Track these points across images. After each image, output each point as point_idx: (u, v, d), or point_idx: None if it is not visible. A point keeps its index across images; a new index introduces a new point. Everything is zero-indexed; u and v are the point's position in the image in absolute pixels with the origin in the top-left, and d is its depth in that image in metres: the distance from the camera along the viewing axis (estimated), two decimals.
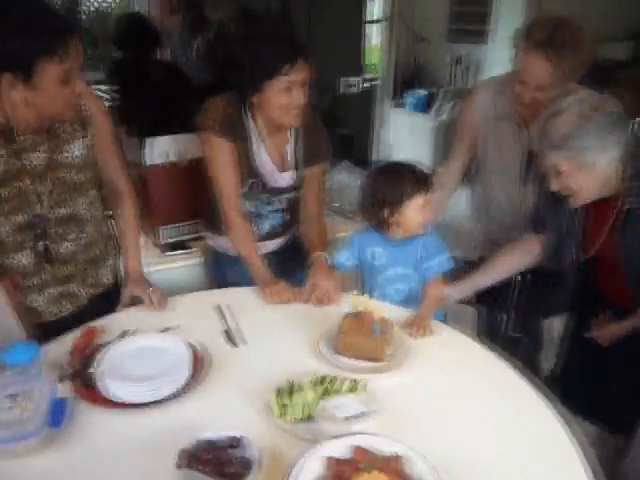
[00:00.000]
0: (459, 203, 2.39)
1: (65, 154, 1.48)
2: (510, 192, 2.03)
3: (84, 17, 5.40)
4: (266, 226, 1.97)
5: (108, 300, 1.69)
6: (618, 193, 1.53)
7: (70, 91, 1.35)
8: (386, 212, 1.66)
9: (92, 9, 5.69)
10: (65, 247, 1.56)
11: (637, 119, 3.72)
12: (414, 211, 1.65)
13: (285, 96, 1.66)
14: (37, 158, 1.44)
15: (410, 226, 1.68)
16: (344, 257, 1.81)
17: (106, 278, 1.72)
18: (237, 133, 1.77)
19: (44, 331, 1.51)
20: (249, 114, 1.78)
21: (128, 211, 1.73)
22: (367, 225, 1.78)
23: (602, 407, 1.87)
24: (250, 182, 1.85)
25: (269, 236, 2.01)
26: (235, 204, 1.83)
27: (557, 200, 1.62)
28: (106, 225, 1.73)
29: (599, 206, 1.60)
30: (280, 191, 1.92)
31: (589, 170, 1.45)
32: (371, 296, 1.74)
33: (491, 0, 5.75)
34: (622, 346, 1.71)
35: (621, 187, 1.52)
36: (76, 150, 1.50)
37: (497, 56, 5.56)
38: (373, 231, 1.76)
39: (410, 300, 1.76)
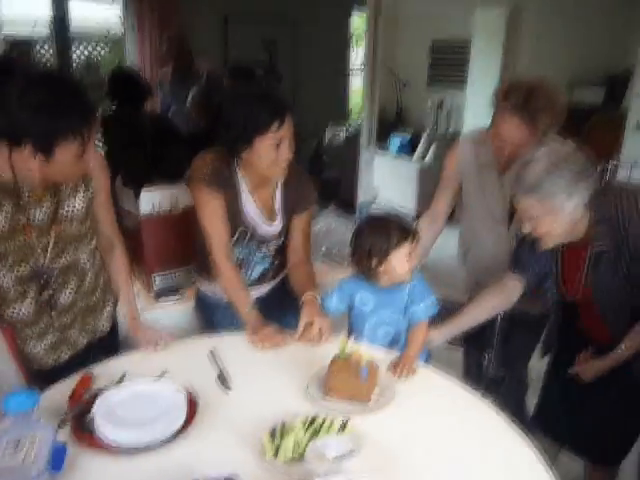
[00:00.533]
0: (447, 245, 2.48)
1: (67, 208, 1.56)
2: (495, 235, 2.14)
3: (74, 66, 5.54)
4: (256, 272, 2.05)
5: (105, 345, 1.75)
6: (589, 237, 1.64)
7: (82, 164, 1.44)
8: (374, 262, 1.74)
9: (82, 58, 5.85)
10: (66, 296, 1.63)
11: (610, 162, 3.89)
12: (400, 260, 1.73)
13: (274, 151, 1.76)
14: (41, 213, 1.51)
15: (397, 274, 1.76)
16: (333, 303, 1.87)
17: (103, 324, 1.78)
18: (226, 186, 1.85)
19: (43, 377, 1.57)
20: (238, 167, 1.88)
21: (120, 260, 1.80)
22: (355, 271, 1.85)
23: (586, 440, 1.93)
24: (239, 231, 1.93)
25: (259, 281, 2.08)
26: (225, 252, 1.90)
27: (535, 243, 1.72)
28: (103, 273, 1.80)
29: (574, 249, 1.71)
30: (268, 239, 2.00)
31: (557, 214, 1.57)
32: (359, 339, 1.80)
33: (469, 48, 5.96)
34: (601, 380, 1.79)
35: (590, 232, 1.63)
36: (78, 204, 1.58)
37: (476, 101, 5.75)
38: (361, 277, 1.83)
39: (397, 342, 1.83)
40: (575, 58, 5.85)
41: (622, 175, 4.49)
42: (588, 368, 1.80)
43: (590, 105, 5.93)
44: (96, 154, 1.67)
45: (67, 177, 1.48)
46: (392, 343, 1.84)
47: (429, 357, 1.91)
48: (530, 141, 1.86)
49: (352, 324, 1.92)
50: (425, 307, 1.78)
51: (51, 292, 1.59)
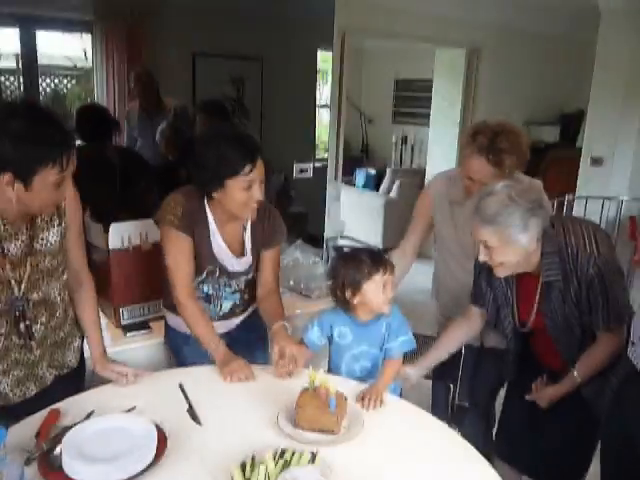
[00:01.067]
0: (416, 279, 2.55)
1: (42, 242, 1.56)
2: (466, 270, 2.20)
3: (41, 98, 5.50)
4: (226, 306, 2.06)
5: (73, 380, 1.74)
6: (539, 267, 1.74)
7: (60, 193, 1.46)
8: (348, 293, 1.79)
9: (48, 90, 5.81)
10: (37, 330, 1.62)
11: (567, 196, 4.05)
12: (374, 291, 1.77)
13: (245, 193, 1.79)
14: (16, 247, 1.52)
15: (373, 306, 1.80)
16: (315, 335, 1.89)
17: (70, 359, 1.77)
18: (195, 226, 1.88)
19: (9, 413, 1.54)
20: (207, 205, 1.91)
21: (89, 294, 1.80)
22: (335, 304, 1.88)
23: (542, 466, 1.98)
24: (208, 269, 1.95)
25: (227, 315, 2.09)
26: (188, 291, 1.91)
27: (491, 273, 1.80)
28: (71, 308, 1.79)
29: (526, 279, 1.81)
30: (237, 274, 2.02)
31: (512, 245, 1.66)
32: (337, 372, 1.88)
33: (431, 86, 6.16)
34: (554, 406, 1.85)
35: (540, 262, 1.73)
36: (52, 237, 1.58)
37: (439, 136, 5.93)
38: (340, 310, 1.87)
39: (374, 376, 1.85)
40: (530, 97, 6.12)
41: (577, 209, 4.68)
42: (543, 395, 1.87)
43: (546, 143, 6.19)
44: (72, 189, 1.68)
45: (44, 207, 1.48)
46: (370, 377, 1.87)
47: (401, 393, 1.95)
48: (496, 180, 1.95)
49: (331, 357, 1.95)
50: (401, 343, 1.82)
51: (28, 323, 1.58)
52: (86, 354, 1.85)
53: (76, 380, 1.75)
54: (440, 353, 2.02)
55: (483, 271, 1.89)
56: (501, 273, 1.76)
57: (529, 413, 1.95)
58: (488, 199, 1.66)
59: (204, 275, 1.96)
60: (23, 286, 1.54)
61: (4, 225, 1.49)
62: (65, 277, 1.68)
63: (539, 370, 1.93)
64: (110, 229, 2.12)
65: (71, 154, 1.41)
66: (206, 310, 2.00)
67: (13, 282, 1.53)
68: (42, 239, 1.57)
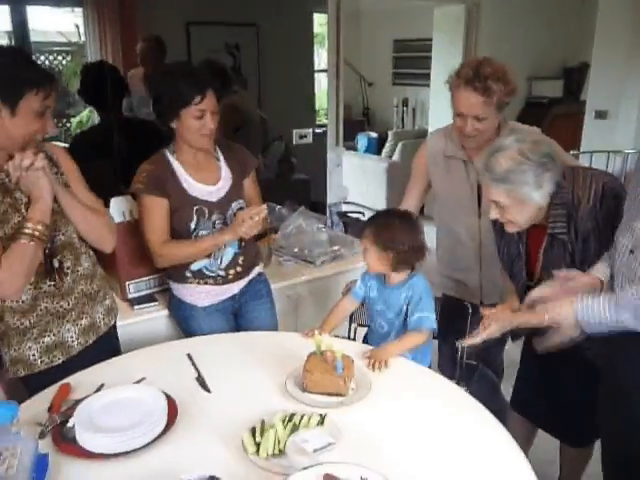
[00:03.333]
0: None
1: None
2: (464, 226, 2.20)
3: None
4: (227, 258, 2.07)
5: (100, 349, 1.77)
6: (547, 220, 1.70)
7: (41, 126, 1.53)
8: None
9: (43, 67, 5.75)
10: (69, 272, 1.67)
11: (571, 151, 3.98)
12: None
13: (198, 122, 1.92)
14: (23, 194, 1.57)
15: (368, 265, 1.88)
16: (358, 287, 1.98)
17: (99, 317, 1.79)
18: (166, 183, 1.97)
19: (38, 380, 1.62)
20: (173, 157, 2.01)
21: (101, 216, 1.78)
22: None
23: (559, 422, 1.99)
24: (195, 210, 2.00)
25: (231, 273, 2.09)
26: (162, 239, 1.98)
27: (503, 227, 1.77)
28: (99, 266, 1.84)
29: (536, 232, 1.76)
30: (224, 203, 2.05)
31: (525, 203, 1.62)
32: (367, 325, 1.96)
33: (430, 46, 6.05)
34: (566, 363, 1.85)
35: (547, 215, 1.69)
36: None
37: (441, 97, 5.84)
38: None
39: (388, 339, 1.89)
40: (533, 52, 5.99)
41: (583, 164, 4.63)
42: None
43: (549, 98, 6.09)
44: (54, 145, 1.78)
45: (27, 137, 1.53)
46: (384, 338, 1.90)
47: (430, 365, 1.97)
48: (488, 112, 1.95)
49: (367, 309, 2.04)
50: (417, 319, 1.81)
51: (59, 258, 1.65)
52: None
53: (106, 348, 1.80)
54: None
55: (496, 225, 1.85)
56: (512, 229, 1.73)
57: (543, 370, 1.94)
58: (498, 155, 1.60)
59: (195, 218, 2.00)
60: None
61: (8, 177, 1.55)
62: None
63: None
64: (111, 203, 2.12)
65: (53, 89, 1.53)
66: (207, 268, 2.05)
67: None
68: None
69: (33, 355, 1.66)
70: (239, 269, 2.11)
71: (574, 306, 1.48)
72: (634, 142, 4.64)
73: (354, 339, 2.20)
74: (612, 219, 1.61)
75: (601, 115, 4.74)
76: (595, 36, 4.70)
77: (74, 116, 3.84)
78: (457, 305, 2.24)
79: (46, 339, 1.67)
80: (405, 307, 1.86)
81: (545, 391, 1.99)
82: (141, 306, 2.21)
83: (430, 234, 2.47)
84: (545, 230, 1.73)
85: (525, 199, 1.61)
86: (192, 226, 1.99)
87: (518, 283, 1.90)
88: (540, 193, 1.60)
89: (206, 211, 2.01)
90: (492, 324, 1.77)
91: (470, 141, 2.05)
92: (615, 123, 4.70)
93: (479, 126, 1.97)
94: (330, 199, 4.63)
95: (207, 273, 2.06)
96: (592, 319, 1.45)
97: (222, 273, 2.07)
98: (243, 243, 2.10)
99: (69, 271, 1.69)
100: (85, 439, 1.33)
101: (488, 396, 2.19)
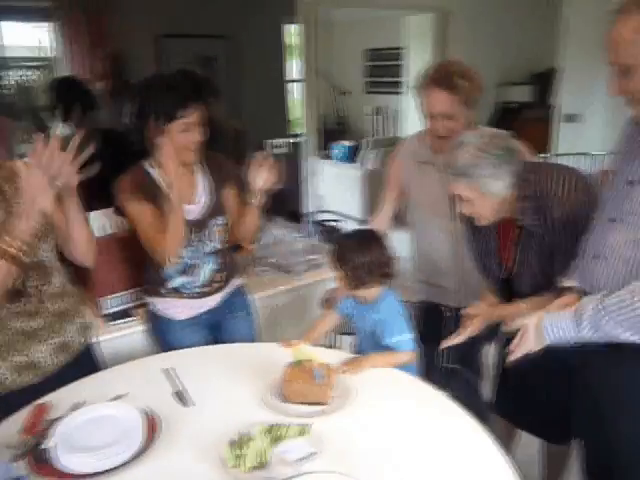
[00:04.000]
0: (397, 249, 2.54)
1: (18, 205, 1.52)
2: (438, 230, 2.22)
3: (5, 92, 5.36)
4: (205, 273, 2.05)
5: (79, 369, 1.73)
6: (515, 213, 1.74)
7: None
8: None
9: (12, 83, 5.66)
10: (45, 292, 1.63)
11: (540, 155, 4.04)
12: None
13: (183, 136, 1.88)
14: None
15: None
16: (343, 304, 1.94)
17: (71, 336, 1.74)
18: (148, 193, 1.92)
19: (11, 400, 1.56)
20: (153, 170, 1.95)
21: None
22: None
23: (538, 420, 2.00)
24: None
25: (209, 289, 2.07)
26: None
27: (474, 222, 1.80)
28: (70, 283, 1.79)
29: (505, 225, 1.80)
30: (200, 223, 2.01)
31: (487, 195, 1.67)
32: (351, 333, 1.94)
33: (402, 54, 6.11)
34: (540, 364, 1.86)
35: (515, 208, 1.73)
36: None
37: (413, 105, 5.87)
38: None
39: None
40: (502, 58, 6.09)
41: None
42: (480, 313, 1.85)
43: (519, 103, 6.20)
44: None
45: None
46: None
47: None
48: (457, 111, 1.98)
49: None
50: (396, 342, 1.77)
51: (35, 283, 1.61)
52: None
53: (81, 367, 1.75)
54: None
55: (468, 221, 1.88)
56: (482, 222, 1.77)
57: (521, 369, 1.95)
58: (458, 152, 1.67)
59: None
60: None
61: None
62: (53, 243, 1.68)
63: None
64: (90, 218, 2.08)
65: None
66: (185, 286, 2.03)
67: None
68: (16, 203, 1.53)
69: (3, 374, 1.60)
70: (217, 285, 2.10)
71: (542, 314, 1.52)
72: (602, 144, 4.73)
73: (339, 347, 2.20)
74: (583, 209, 1.65)
75: (571, 118, 4.83)
76: (561, 41, 4.79)
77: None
78: (435, 310, 2.25)
79: (16, 358, 1.62)
80: (374, 329, 1.82)
81: (522, 389, 2.00)
82: (117, 322, 2.17)
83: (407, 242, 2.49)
84: (514, 223, 1.76)
85: (485, 192, 1.65)
86: None
87: (491, 277, 1.94)
88: (499, 185, 1.64)
89: (187, 230, 1.97)
90: (474, 321, 1.81)
91: (444, 142, 2.06)
92: (584, 126, 4.79)
93: (451, 125, 2.00)
94: (307, 208, 4.63)
95: (184, 291, 2.04)
96: (557, 329, 1.47)
97: (200, 290, 2.06)
98: (221, 259, 2.08)
99: (37, 291, 1.64)
100: (61, 460, 1.29)
101: (470, 399, 2.20)
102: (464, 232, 2.01)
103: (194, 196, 2.02)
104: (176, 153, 1.89)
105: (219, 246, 2.07)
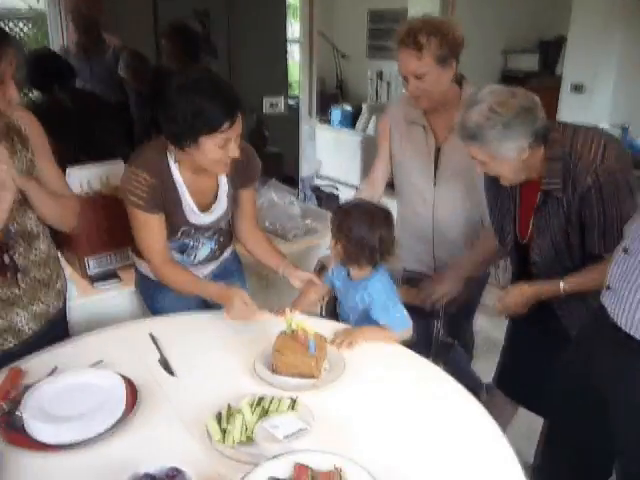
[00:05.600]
0: None
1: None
2: (423, 191, 2.12)
3: None
4: (201, 254, 1.95)
5: (53, 332, 1.65)
6: (542, 175, 1.62)
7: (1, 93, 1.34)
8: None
9: None
10: (23, 262, 1.53)
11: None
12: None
13: (220, 151, 1.63)
14: None
15: None
16: (330, 272, 1.84)
17: (52, 301, 1.67)
18: (164, 195, 1.74)
19: None
20: (174, 165, 1.75)
21: (67, 200, 1.67)
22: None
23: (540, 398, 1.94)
24: (182, 229, 1.83)
25: (204, 262, 1.99)
26: (162, 257, 1.80)
27: (494, 180, 1.69)
28: (53, 247, 1.69)
29: (530, 187, 1.67)
30: (213, 226, 1.91)
31: (500, 159, 1.55)
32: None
33: (406, 16, 5.92)
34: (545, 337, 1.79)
35: (543, 169, 1.60)
36: (18, 164, 1.46)
37: None
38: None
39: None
40: (508, 25, 5.91)
41: None
42: (514, 291, 1.77)
43: (525, 71, 6.03)
44: (24, 112, 1.55)
45: None
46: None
47: None
48: (429, 70, 1.85)
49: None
50: (392, 318, 1.67)
51: (12, 253, 1.50)
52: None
53: (59, 333, 1.67)
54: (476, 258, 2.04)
55: (488, 179, 1.77)
56: (504, 182, 1.66)
57: (533, 344, 1.88)
58: (470, 111, 1.53)
59: (179, 235, 1.85)
60: None
61: None
62: None
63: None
64: (67, 174, 1.97)
65: (2, 49, 1.29)
66: (181, 261, 1.90)
67: None
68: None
69: None
70: (215, 257, 2.01)
71: None
72: (610, 116, 4.61)
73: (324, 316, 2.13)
74: (614, 181, 1.53)
75: (577, 89, 4.69)
76: (572, 8, 4.62)
77: None
78: (420, 279, 2.17)
79: None
80: (360, 307, 1.72)
81: (533, 370, 1.92)
82: (102, 283, 2.08)
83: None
84: (538, 186, 1.64)
85: (497, 154, 1.53)
86: (172, 238, 1.85)
87: (506, 241, 1.82)
88: (511, 147, 1.51)
89: (192, 231, 1.86)
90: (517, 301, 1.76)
91: (420, 103, 1.97)
92: (591, 97, 4.66)
93: (421, 85, 1.88)
94: (303, 172, 4.53)
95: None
96: None
97: (195, 262, 1.96)
98: (221, 238, 1.98)
99: (20, 258, 1.54)
100: (35, 428, 1.22)
101: (463, 373, 2.15)
102: (447, 203, 1.89)
103: (212, 200, 1.86)
104: (205, 165, 1.68)
105: (221, 228, 1.97)
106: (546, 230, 1.67)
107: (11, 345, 1.58)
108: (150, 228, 1.76)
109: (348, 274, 1.77)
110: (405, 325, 1.68)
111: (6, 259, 1.50)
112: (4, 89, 1.34)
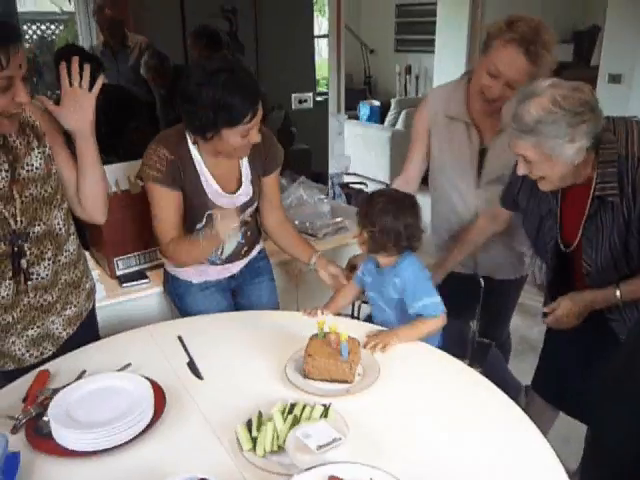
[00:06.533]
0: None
1: (27, 168, 1.42)
2: (464, 193, 2.03)
3: (27, 45, 5.25)
4: (230, 246, 1.91)
5: (81, 334, 1.63)
6: (592, 179, 1.50)
7: (9, 100, 1.28)
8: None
9: (35, 37, 5.53)
10: (44, 268, 1.50)
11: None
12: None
13: (242, 139, 1.65)
14: (0, 179, 1.38)
15: None
16: (360, 271, 1.80)
17: (83, 305, 1.65)
18: (184, 176, 1.73)
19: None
20: (195, 148, 1.74)
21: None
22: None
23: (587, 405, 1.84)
24: (207, 215, 1.80)
25: (232, 258, 1.95)
26: (172, 236, 1.77)
27: (534, 183, 1.58)
28: (81, 246, 1.67)
29: (576, 191, 1.56)
30: (238, 212, 1.85)
31: (555, 159, 1.43)
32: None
33: (435, 11, 5.82)
34: (597, 339, 1.69)
35: (593, 173, 1.49)
36: (35, 162, 1.44)
37: (445, 64, 5.63)
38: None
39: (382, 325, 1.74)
40: (541, 16, 5.69)
41: None
42: (565, 306, 1.66)
43: (559, 62, 5.87)
44: (34, 106, 1.50)
45: None
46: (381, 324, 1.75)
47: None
48: (525, 83, 1.70)
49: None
50: (423, 306, 1.62)
51: (28, 259, 1.46)
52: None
53: (89, 334, 1.65)
54: (461, 252, 2.00)
55: (525, 180, 1.65)
56: (545, 187, 1.54)
57: (575, 347, 1.78)
58: (528, 103, 1.40)
59: (204, 222, 1.81)
60: (19, 219, 1.41)
61: None
62: (65, 206, 1.55)
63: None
64: None
65: (12, 52, 1.21)
66: (208, 257, 1.87)
67: (7, 215, 1.39)
68: (26, 164, 1.42)
69: (19, 349, 1.51)
70: (241, 253, 1.97)
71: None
72: None
73: (357, 317, 2.06)
74: None
75: (615, 79, 4.54)
76: None
77: None
78: (464, 280, 2.08)
79: (30, 332, 1.52)
80: (396, 296, 1.67)
81: (571, 374, 1.83)
82: (130, 284, 2.06)
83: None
84: (587, 191, 1.52)
85: (554, 154, 1.41)
86: (198, 227, 1.81)
87: (547, 247, 1.70)
88: (573, 148, 1.39)
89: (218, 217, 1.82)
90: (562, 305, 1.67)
91: (485, 104, 1.85)
92: (629, 87, 4.50)
93: (507, 93, 1.73)
94: (332, 169, 4.46)
95: (207, 260, 1.91)
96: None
97: (222, 259, 1.92)
98: (249, 233, 1.94)
99: (50, 263, 1.51)
100: (61, 435, 1.18)
101: (501, 376, 2.06)
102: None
103: (236, 183, 1.84)
104: (226, 152, 1.70)
105: (248, 219, 1.93)
106: (600, 239, 1.55)
107: (50, 353, 1.56)
108: (166, 204, 1.74)
109: (377, 266, 1.72)
110: (439, 310, 1.63)
111: (23, 264, 1.45)
112: (14, 92, 1.27)
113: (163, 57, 3.47)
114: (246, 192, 1.86)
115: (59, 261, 1.54)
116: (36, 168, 1.44)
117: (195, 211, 1.79)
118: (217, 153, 1.74)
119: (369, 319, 1.88)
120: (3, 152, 1.38)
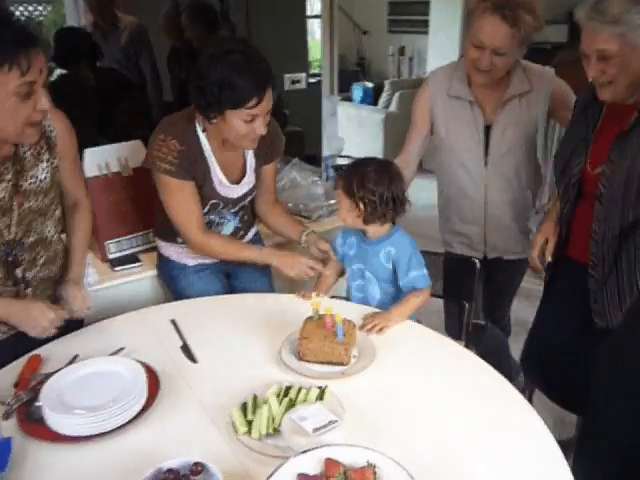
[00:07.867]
0: (421, 196, 2.35)
1: (30, 180, 1.40)
2: (472, 172, 2.01)
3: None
4: (227, 230, 1.91)
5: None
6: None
7: (30, 109, 1.25)
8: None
9: (23, 18, 5.44)
10: (36, 272, 1.49)
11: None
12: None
13: (246, 126, 1.60)
14: (2, 189, 1.36)
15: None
16: (338, 243, 1.81)
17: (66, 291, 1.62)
18: (194, 164, 1.70)
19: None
20: (203, 136, 1.71)
21: (86, 222, 1.67)
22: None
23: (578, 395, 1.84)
24: (212, 203, 1.79)
25: None
26: (199, 228, 1.77)
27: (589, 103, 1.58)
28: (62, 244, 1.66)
29: (616, 112, 1.55)
30: (240, 200, 1.87)
31: (637, 52, 1.42)
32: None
33: None
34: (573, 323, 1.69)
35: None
36: (41, 175, 1.42)
37: (439, 45, 5.57)
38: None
39: (366, 301, 1.74)
40: None
41: None
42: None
43: (553, 43, 5.83)
44: (58, 113, 1.48)
45: (20, 126, 1.26)
46: (363, 300, 1.75)
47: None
48: (510, 49, 1.74)
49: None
50: (412, 278, 1.64)
51: (24, 268, 1.45)
52: None
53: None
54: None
55: (577, 101, 1.68)
56: (606, 94, 1.51)
57: (560, 335, 1.78)
58: None
59: (207, 209, 1.81)
60: (13, 230, 1.40)
61: None
62: (58, 212, 1.53)
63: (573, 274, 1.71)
64: (85, 155, 1.91)
65: (33, 56, 1.18)
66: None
67: (2, 226, 1.38)
68: (30, 177, 1.40)
69: None
70: (237, 236, 1.96)
71: None
72: None
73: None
74: None
75: None
76: None
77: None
78: (462, 262, 2.07)
79: None
80: (387, 266, 1.67)
81: (561, 361, 1.81)
82: (123, 267, 2.03)
83: (429, 189, 2.28)
84: (630, 113, 1.49)
85: (638, 45, 1.41)
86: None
87: (573, 172, 1.66)
88: None
89: (220, 204, 1.82)
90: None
91: (481, 77, 1.85)
92: None
93: (497, 61, 1.77)
94: (325, 151, 4.42)
95: None
96: None
97: None
98: (245, 216, 1.93)
99: (38, 267, 1.51)
100: (54, 420, 1.17)
101: (498, 357, 2.06)
102: (499, 183, 1.79)
103: (240, 173, 1.83)
104: (231, 139, 1.66)
105: (245, 205, 1.92)
106: (626, 156, 1.50)
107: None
108: (185, 195, 1.72)
109: (362, 238, 1.71)
110: (426, 283, 1.66)
111: (18, 273, 1.45)
112: (35, 99, 1.24)
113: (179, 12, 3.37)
114: (249, 182, 1.86)
115: (48, 264, 1.54)
116: (40, 180, 1.43)
117: (200, 199, 1.77)
118: (224, 141, 1.71)
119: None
120: (11, 162, 1.36)
